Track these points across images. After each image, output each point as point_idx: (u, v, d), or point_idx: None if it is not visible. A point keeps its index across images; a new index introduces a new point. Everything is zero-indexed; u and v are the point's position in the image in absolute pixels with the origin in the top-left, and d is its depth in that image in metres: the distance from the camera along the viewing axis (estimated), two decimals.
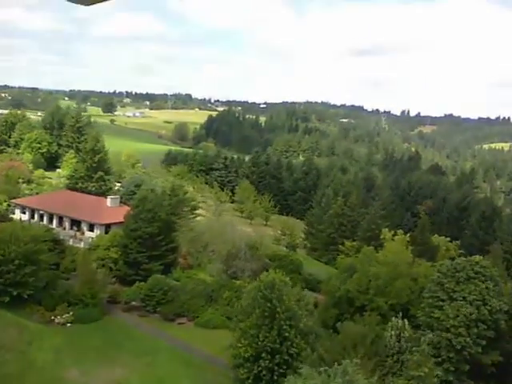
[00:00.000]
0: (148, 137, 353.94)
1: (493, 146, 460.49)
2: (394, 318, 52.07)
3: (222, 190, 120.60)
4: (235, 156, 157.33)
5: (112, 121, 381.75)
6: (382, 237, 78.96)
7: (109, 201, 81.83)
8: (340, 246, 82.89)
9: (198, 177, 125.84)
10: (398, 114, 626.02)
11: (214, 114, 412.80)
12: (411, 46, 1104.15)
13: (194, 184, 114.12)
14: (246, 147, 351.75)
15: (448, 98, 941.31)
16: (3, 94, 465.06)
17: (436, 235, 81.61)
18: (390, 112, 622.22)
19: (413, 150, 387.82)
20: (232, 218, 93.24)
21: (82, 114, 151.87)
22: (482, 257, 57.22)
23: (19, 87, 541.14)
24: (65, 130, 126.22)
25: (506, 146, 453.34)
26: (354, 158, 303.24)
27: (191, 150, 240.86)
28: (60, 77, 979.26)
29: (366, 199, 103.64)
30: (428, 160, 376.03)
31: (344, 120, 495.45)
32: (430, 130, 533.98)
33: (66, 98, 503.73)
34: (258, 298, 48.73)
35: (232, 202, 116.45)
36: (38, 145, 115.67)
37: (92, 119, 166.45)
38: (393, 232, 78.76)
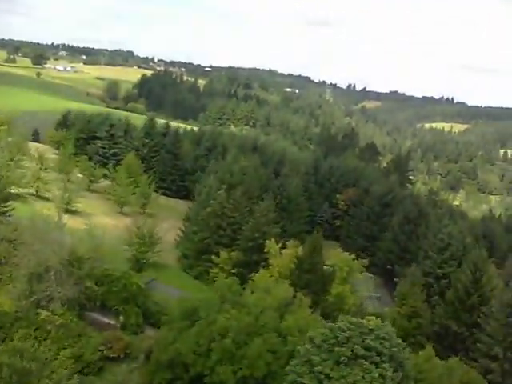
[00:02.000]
0: (75, 94, 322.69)
1: (434, 125, 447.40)
2: None
3: (103, 165, 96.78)
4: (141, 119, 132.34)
5: (38, 74, 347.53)
6: (266, 250, 57.27)
7: None
8: (214, 257, 60.73)
9: (76, 146, 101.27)
10: (344, 87, 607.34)
11: (150, 73, 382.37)
12: (365, 20, 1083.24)
13: (61, 158, 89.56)
14: (180, 111, 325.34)
15: (395, 75, 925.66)
16: None
17: (339, 249, 60.26)
18: (336, 85, 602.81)
19: (353, 124, 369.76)
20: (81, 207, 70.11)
21: None
22: (380, 319, 35.80)
23: None
24: None
25: (447, 126, 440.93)
26: (290, 130, 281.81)
27: (110, 110, 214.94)
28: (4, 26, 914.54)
29: (270, 190, 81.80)
30: (367, 136, 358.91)
31: (288, 90, 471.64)
32: (374, 105, 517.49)
33: None
34: None
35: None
36: None
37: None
38: (281, 244, 57.10)
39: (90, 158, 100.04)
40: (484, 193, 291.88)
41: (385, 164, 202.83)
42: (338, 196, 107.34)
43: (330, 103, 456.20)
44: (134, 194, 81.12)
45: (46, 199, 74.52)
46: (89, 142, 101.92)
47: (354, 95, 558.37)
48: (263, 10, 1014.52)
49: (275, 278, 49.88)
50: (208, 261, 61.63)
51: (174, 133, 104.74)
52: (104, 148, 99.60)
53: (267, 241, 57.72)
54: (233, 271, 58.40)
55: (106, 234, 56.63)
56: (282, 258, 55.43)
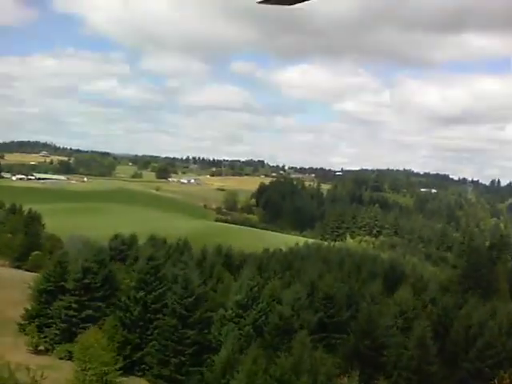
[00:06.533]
0: (191, 208, 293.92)
1: None
2: None
3: (67, 339, 54.87)
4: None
5: (157, 189, 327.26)
6: None
7: None
8: None
9: (40, 303, 60.37)
10: (488, 183, 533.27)
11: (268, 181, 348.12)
12: (503, 115, 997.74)
13: None
14: (299, 220, 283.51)
15: None
16: (65, 158, 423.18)
17: None
18: (478, 181, 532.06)
19: (501, 227, 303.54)
20: None
21: None
22: None
23: (92, 151, 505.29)
24: None
25: None
26: (421, 238, 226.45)
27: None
28: (149, 144, 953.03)
29: None
30: None
31: (423, 190, 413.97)
32: None
33: (130, 164, 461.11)
34: None
35: None
36: None
37: None
38: None
39: (49, 326, 58.34)
40: None
41: None
42: None
43: (473, 203, 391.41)
44: None
45: None
46: (55, 296, 60.69)
47: (499, 192, 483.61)
48: (398, 112, 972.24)
49: None
50: None
51: (183, 277, 59.39)
52: (70, 308, 57.62)
53: None
54: None
55: None
56: None
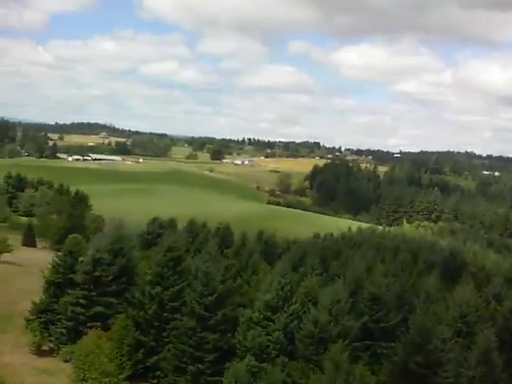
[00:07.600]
0: (244, 190, 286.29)
1: None
2: None
3: (73, 339, 47.90)
4: None
5: (211, 170, 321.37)
6: None
7: None
8: None
9: (50, 296, 53.50)
10: None
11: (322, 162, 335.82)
12: None
13: None
14: (353, 204, 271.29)
15: None
16: (124, 140, 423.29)
17: None
18: None
19: None
20: None
21: None
22: None
23: (150, 133, 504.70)
24: None
25: None
26: (483, 223, 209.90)
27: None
28: (206, 125, 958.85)
29: None
30: None
31: (486, 173, 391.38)
32: None
33: (186, 145, 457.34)
34: None
35: None
36: None
37: None
38: None
39: (55, 324, 51.25)
40: None
41: None
42: None
43: None
44: None
45: None
46: (63, 290, 53.69)
47: None
48: (461, 92, 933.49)
49: None
50: None
51: (203, 272, 50.98)
52: (77, 304, 50.49)
53: None
54: None
55: None
56: None
